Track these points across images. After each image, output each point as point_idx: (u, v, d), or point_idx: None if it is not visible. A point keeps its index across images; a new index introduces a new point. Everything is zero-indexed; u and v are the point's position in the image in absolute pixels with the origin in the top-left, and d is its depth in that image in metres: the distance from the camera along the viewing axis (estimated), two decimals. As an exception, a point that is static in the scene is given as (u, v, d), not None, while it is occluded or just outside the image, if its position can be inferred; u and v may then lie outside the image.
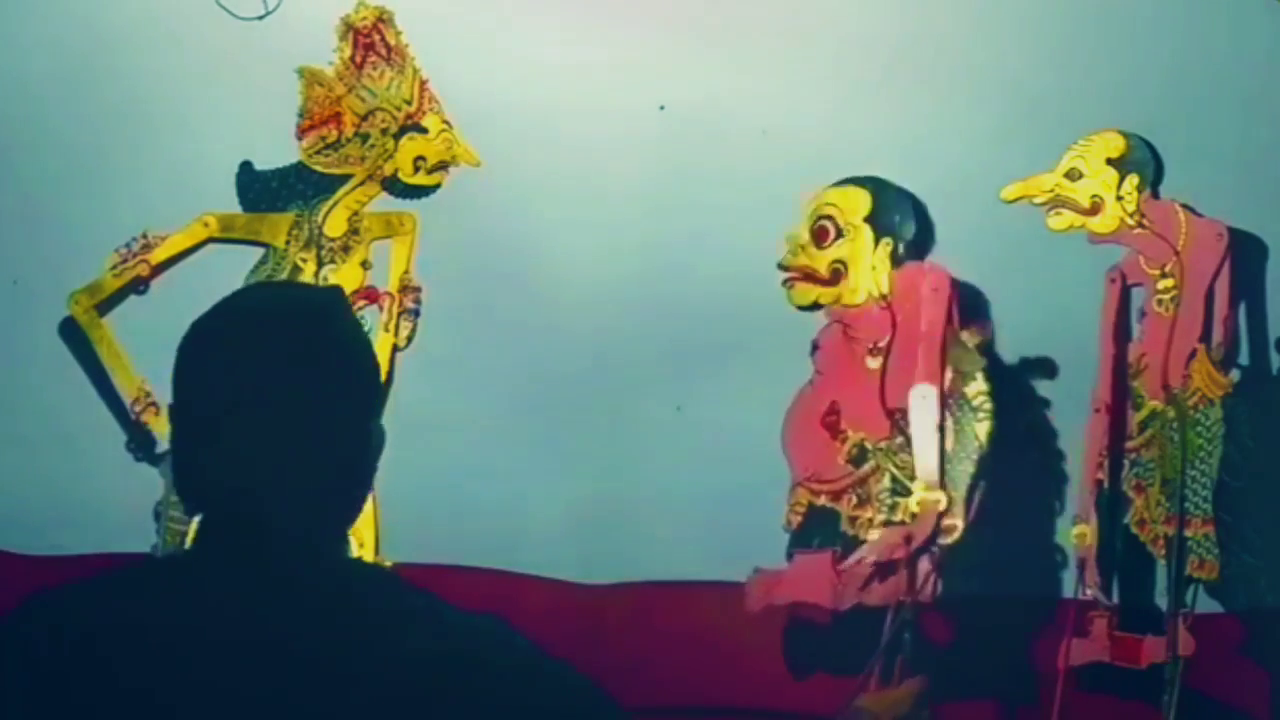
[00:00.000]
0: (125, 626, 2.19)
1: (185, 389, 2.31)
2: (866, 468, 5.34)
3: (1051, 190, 5.29)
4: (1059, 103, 5.39)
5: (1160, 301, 5.25)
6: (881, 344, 5.36)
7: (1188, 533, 5.10)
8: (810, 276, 5.40)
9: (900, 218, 5.37)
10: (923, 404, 5.21)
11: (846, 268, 5.39)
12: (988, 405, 5.23)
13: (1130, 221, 5.27)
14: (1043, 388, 5.39)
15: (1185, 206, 5.25)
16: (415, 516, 5.54)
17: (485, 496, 5.63)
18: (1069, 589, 5.25)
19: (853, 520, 5.34)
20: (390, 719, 2.16)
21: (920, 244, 5.39)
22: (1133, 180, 5.27)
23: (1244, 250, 5.21)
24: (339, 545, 2.34)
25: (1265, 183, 5.23)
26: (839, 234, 5.39)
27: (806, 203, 5.43)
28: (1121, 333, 5.29)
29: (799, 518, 5.40)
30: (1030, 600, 5.38)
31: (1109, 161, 5.29)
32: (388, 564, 5.54)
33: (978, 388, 5.24)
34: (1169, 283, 5.23)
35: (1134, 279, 5.30)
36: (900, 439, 5.29)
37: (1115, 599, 5.24)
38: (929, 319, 5.26)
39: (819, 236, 5.41)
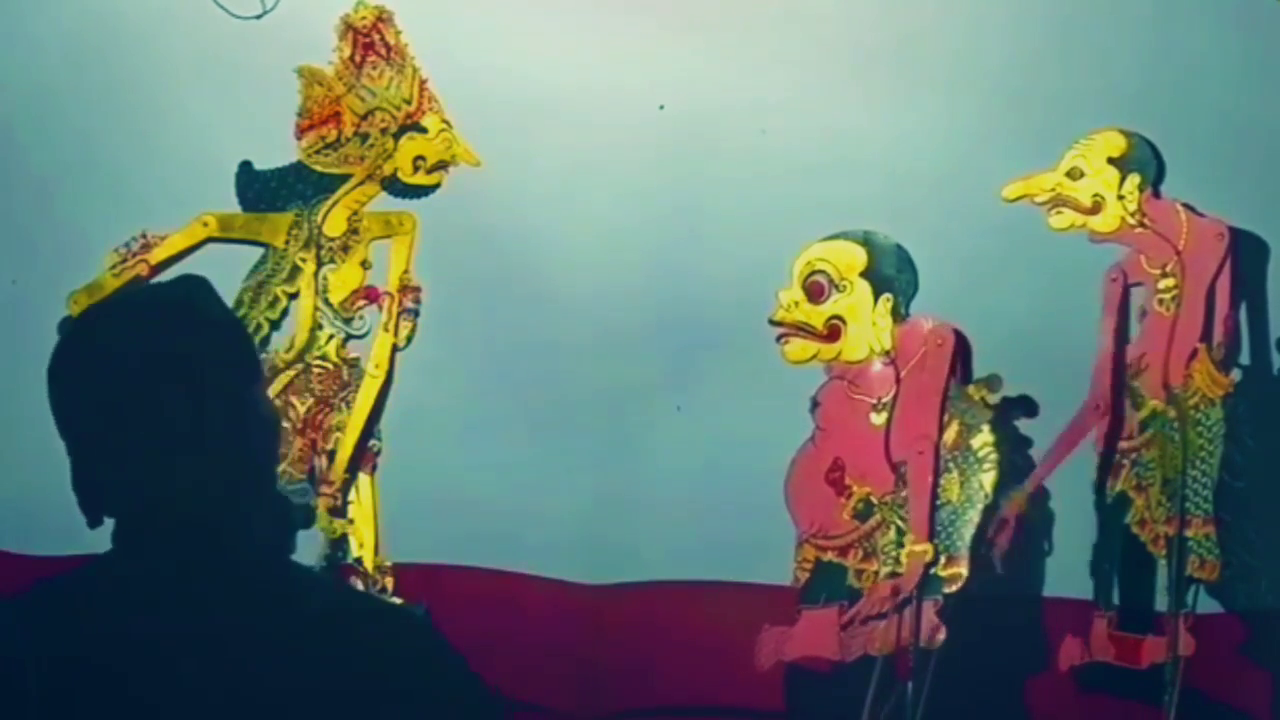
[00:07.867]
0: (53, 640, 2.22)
1: (64, 409, 2.43)
2: (872, 522, 5.37)
3: (1053, 189, 5.29)
4: (1061, 102, 5.39)
5: (1161, 301, 5.25)
6: (885, 400, 5.38)
7: (1188, 533, 5.10)
8: (805, 332, 5.42)
9: (898, 271, 5.39)
10: (918, 459, 5.28)
11: (845, 323, 5.41)
12: (993, 456, 5.27)
13: (1131, 221, 5.27)
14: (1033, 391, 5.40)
15: (1186, 206, 5.25)
16: (415, 516, 5.54)
17: (485, 496, 5.62)
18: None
19: (859, 574, 5.37)
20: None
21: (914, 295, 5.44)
22: (1134, 179, 5.27)
23: (1245, 250, 5.21)
24: (262, 526, 2.34)
25: (1266, 183, 5.23)
26: (834, 289, 5.41)
27: (795, 259, 5.45)
28: (1121, 333, 5.30)
29: (806, 574, 5.42)
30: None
31: (1110, 160, 5.28)
32: (388, 564, 5.54)
33: (983, 439, 5.27)
34: (1170, 282, 5.23)
35: (1135, 278, 5.29)
36: (905, 493, 5.34)
37: (1115, 599, 5.25)
38: (932, 374, 5.29)
39: (813, 292, 5.42)
